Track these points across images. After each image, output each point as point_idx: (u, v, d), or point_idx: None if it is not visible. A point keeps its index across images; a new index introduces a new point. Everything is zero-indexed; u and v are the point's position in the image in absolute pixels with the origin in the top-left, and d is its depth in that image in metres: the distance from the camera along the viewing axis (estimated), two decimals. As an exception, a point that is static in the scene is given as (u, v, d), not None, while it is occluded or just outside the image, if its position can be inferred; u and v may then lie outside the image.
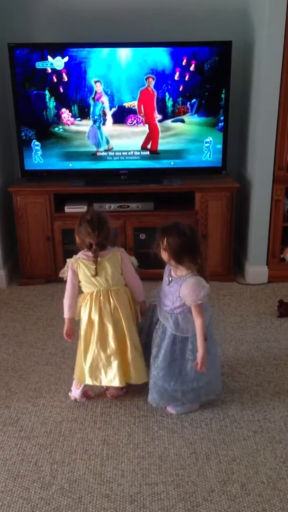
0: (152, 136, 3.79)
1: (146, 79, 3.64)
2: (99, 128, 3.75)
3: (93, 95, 3.66)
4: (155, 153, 3.83)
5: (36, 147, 3.79)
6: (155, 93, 3.68)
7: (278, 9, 3.31)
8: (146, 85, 3.66)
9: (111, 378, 2.50)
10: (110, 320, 2.46)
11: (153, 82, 3.65)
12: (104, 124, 3.75)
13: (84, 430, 2.45)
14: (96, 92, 3.66)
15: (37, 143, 3.77)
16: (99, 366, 2.49)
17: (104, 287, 2.47)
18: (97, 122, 3.73)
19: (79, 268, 2.45)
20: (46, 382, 2.82)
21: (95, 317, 2.46)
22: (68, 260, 2.50)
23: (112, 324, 2.46)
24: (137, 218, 3.81)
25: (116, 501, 2.07)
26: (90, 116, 3.72)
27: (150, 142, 3.81)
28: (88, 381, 2.52)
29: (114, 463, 2.26)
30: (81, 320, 2.52)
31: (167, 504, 2.06)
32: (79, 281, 2.49)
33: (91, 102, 3.68)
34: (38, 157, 3.81)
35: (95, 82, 3.64)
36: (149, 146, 3.82)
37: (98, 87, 3.65)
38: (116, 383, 2.51)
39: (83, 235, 2.42)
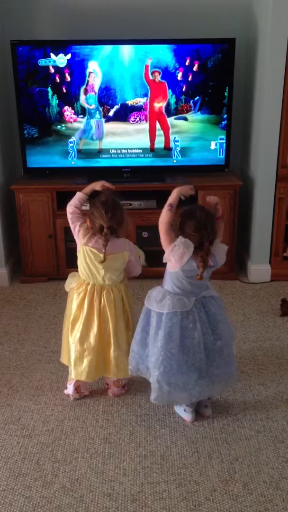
0: (163, 132, 3.79)
1: (152, 74, 3.63)
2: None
3: (85, 86, 3.64)
4: (168, 150, 3.85)
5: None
6: (165, 83, 3.65)
7: (281, 5, 3.30)
8: (152, 77, 3.64)
9: (79, 372, 2.52)
10: (97, 319, 2.46)
11: (159, 76, 3.63)
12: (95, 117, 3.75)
13: (86, 429, 2.45)
14: (88, 83, 3.64)
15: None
16: (71, 357, 2.51)
17: (100, 284, 2.46)
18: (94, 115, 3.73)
19: (79, 253, 2.43)
20: (48, 380, 2.81)
21: (84, 311, 2.46)
22: (79, 225, 2.45)
23: (97, 323, 2.46)
24: (139, 216, 3.80)
25: (117, 500, 2.07)
26: (87, 109, 3.71)
27: (163, 139, 3.81)
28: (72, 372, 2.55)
29: (116, 462, 2.26)
30: (71, 304, 2.51)
31: (169, 503, 2.05)
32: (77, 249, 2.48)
33: (82, 95, 3.66)
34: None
35: (89, 73, 3.62)
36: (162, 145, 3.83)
37: (91, 79, 3.63)
38: (82, 378, 2.54)
39: (95, 217, 2.36)
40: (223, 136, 3.80)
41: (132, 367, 2.48)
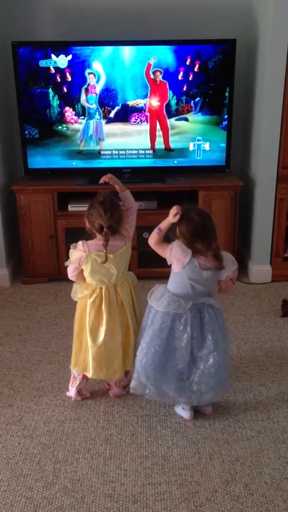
0: (162, 132, 3.80)
1: (153, 73, 3.63)
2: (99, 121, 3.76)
3: (86, 86, 3.65)
4: (168, 151, 3.84)
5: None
6: (166, 83, 3.65)
7: (282, 7, 3.30)
8: (153, 78, 3.64)
9: (112, 371, 2.52)
10: (118, 316, 2.47)
11: (160, 76, 3.63)
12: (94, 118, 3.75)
13: (87, 429, 2.45)
14: (89, 83, 3.64)
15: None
16: (101, 362, 2.49)
17: (112, 283, 2.47)
18: (93, 116, 3.73)
19: (86, 264, 2.40)
20: (49, 381, 2.81)
21: (105, 313, 2.45)
22: (76, 249, 2.42)
23: (119, 320, 2.47)
24: (140, 217, 3.73)
25: (119, 500, 2.07)
26: (86, 110, 3.71)
27: (162, 139, 3.82)
28: (93, 375, 2.52)
29: (117, 463, 2.26)
30: (85, 313, 2.48)
31: (170, 504, 2.05)
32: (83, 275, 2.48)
33: (83, 95, 3.66)
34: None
35: (89, 73, 3.62)
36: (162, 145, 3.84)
37: (92, 80, 3.64)
38: (116, 376, 2.55)
39: (94, 217, 2.36)
40: (200, 137, 3.79)
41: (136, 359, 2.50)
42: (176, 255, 2.28)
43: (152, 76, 3.64)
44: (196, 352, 2.35)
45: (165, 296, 2.35)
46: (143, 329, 2.47)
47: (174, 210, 2.29)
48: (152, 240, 2.38)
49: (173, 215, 2.28)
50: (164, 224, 2.34)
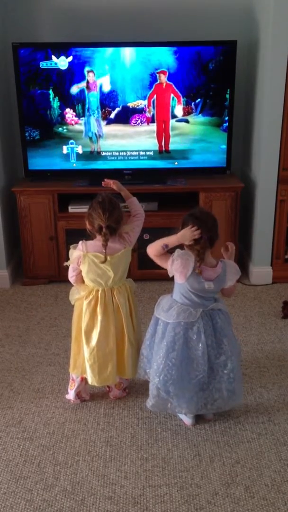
0: (164, 134, 3.79)
1: (157, 74, 3.63)
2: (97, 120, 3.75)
3: (85, 83, 3.64)
4: (167, 153, 3.83)
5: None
6: (172, 85, 3.65)
7: (283, 8, 3.30)
8: (158, 81, 3.64)
9: (105, 377, 2.50)
10: (113, 320, 2.45)
11: (164, 77, 3.63)
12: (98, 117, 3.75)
13: (87, 432, 2.44)
14: (88, 81, 3.64)
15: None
16: (93, 365, 2.48)
17: (109, 286, 2.46)
18: (93, 115, 3.73)
19: (83, 263, 2.40)
20: (49, 382, 2.81)
21: (100, 315, 2.44)
22: (75, 250, 2.43)
23: (114, 324, 2.46)
24: None
25: (119, 503, 2.06)
26: (86, 108, 3.71)
27: (163, 141, 3.81)
28: (89, 378, 2.52)
29: (117, 465, 2.25)
30: (81, 314, 2.48)
31: (170, 507, 2.04)
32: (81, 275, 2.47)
33: (75, 87, 3.66)
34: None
35: (88, 72, 3.62)
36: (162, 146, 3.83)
37: (91, 77, 3.63)
38: (109, 383, 2.54)
39: (93, 218, 2.36)
40: (225, 138, 3.79)
41: (141, 370, 2.49)
42: (178, 268, 2.25)
43: (158, 81, 3.62)
44: (213, 359, 2.33)
45: (173, 307, 2.33)
46: (147, 340, 2.46)
47: (193, 233, 2.22)
48: (153, 251, 2.35)
49: (192, 232, 2.23)
50: (172, 243, 2.30)
